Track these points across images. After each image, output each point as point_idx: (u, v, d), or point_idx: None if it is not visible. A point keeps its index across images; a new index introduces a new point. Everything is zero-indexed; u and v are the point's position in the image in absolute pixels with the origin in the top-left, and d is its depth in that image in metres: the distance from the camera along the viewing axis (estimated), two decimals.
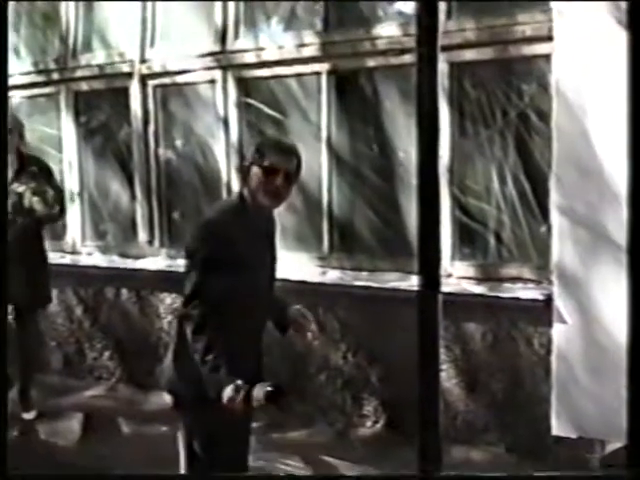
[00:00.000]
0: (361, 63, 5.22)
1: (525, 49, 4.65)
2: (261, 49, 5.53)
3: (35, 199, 5.20)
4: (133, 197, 6.29)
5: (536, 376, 4.67)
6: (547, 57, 4.52)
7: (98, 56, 6.31)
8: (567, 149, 4.34)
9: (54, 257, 6.29)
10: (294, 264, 5.27)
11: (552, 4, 4.39)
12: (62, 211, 5.49)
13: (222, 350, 2.95)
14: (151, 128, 6.11)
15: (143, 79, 6.07)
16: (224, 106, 5.72)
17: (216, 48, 5.70)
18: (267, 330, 3.37)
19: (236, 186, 5.56)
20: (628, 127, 2.01)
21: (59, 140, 6.62)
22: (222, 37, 5.68)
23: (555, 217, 4.45)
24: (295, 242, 5.47)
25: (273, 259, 3.36)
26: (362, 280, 5.22)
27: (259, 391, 2.89)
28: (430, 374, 1.97)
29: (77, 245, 6.60)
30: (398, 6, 5.22)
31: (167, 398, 3.32)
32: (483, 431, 4.89)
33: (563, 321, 4.44)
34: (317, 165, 5.32)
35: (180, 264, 4.59)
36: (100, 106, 6.49)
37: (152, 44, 6.03)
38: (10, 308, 5.41)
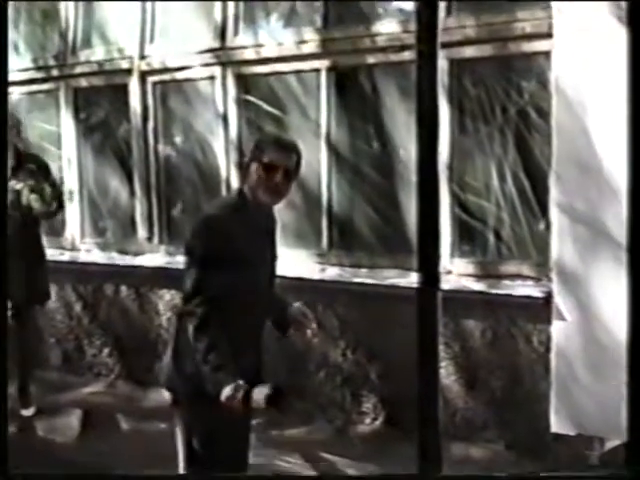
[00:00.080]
0: (361, 60, 5.21)
1: (525, 46, 4.65)
2: (260, 46, 5.52)
3: (33, 197, 5.20)
4: (132, 194, 6.29)
5: (535, 373, 4.67)
6: (547, 54, 4.52)
7: (97, 52, 6.31)
8: (567, 146, 4.34)
9: (53, 254, 6.29)
10: (293, 261, 5.27)
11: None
12: (59, 208, 5.49)
13: (224, 349, 2.95)
14: (150, 125, 6.11)
15: (142, 75, 6.07)
16: (223, 103, 5.72)
17: (215, 45, 5.70)
18: (266, 328, 3.37)
19: (235, 183, 5.56)
20: (628, 124, 2.01)
21: (58, 137, 6.62)
22: (221, 34, 5.68)
23: (555, 214, 4.45)
24: (294, 239, 5.47)
25: (273, 256, 3.36)
26: (361, 277, 5.22)
27: (259, 394, 2.88)
28: (429, 371, 1.97)
29: (76, 242, 6.60)
30: (398, 3, 5.21)
31: (166, 395, 3.32)
32: (482, 428, 4.89)
33: (562, 318, 4.44)
34: (316, 162, 5.32)
35: (179, 261, 4.58)
36: (99, 102, 6.48)
37: (151, 40, 6.02)
38: (8, 305, 5.41)
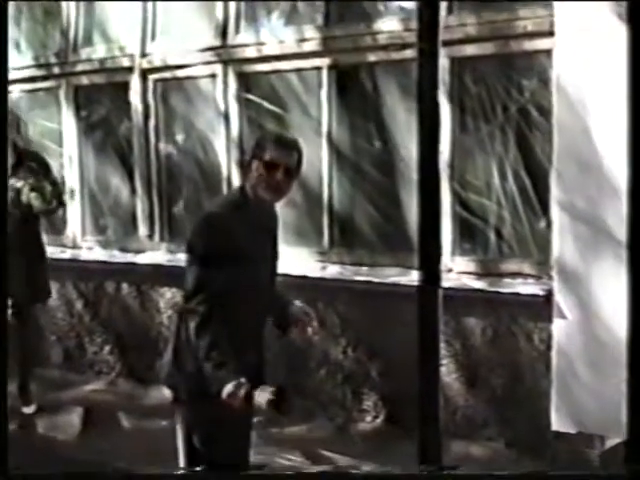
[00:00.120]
0: (362, 58, 5.21)
1: (526, 44, 4.64)
2: (262, 44, 5.52)
3: (33, 195, 5.20)
4: (133, 191, 6.29)
5: (536, 371, 4.67)
6: (548, 52, 4.51)
7: (99, 50, 6.30)
8: (568, 144, 4.34)
9: (54, 251, 6.29)
10: (294, 259, 5.27)
11: None
12: (59, 206, 5.49)
13: (225, 347, 2.95)
14: (151, 122, 6.11)
15: (144, 73, 6.07)
16: (224, 101, 5.72)
17: (217, 42, 5.70)
18: (267, 325, 3.38)
19: (236, 181, 5.57)
20: (628, 122, 2.01)
21: (59, 134, 6.62)
22: (223, 31, 5.67)
23: (555, 212, 4.45)
24: (295, 237, 5.47)
25: (275, 254, 3.36)
26: (362, 275, 5.22)
27: (261, 396, 2.88)
28: (430, 369, 1.97)
29: (77, 239, 6.60)
30: (399, 1, 5.21)
31: (167, 393, 3.32)
32: (483, 426, 4.89)
33: (563, 316, 4.44)
34: (317, 160, 5.31)
35: (180, 258, 4.59)
36: (100, 100, 6.48)
37: (153, 38, 6.02)
38: (9, 303, 5.41)
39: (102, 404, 5.80)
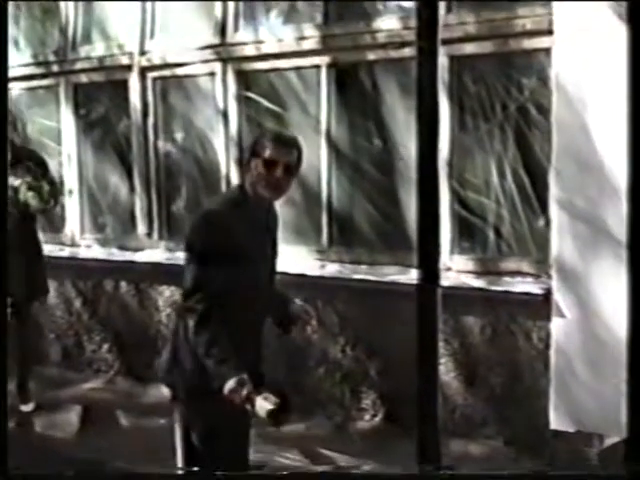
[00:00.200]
0: (361, 56, 5.21)
1: (525, 43, 4.64)
2: (261, 42, 5.52)
3: (30, 194, 5.20)
4: (132, 190, 6.29)
5: (535, 370, 4.67)
6: (547, 51, 4.51)
7: (97, 48, 6.30)
8: (567, 143, 4.34)
9: (53, 250, 6.30)
10: (293, 257, 5.27)
11: None
12: (57, 204, 5.49)
13: (226, 343, 2.94)
14: (150, 120, 6.10)
15: (142, 71, 6.06)
16: (224, 99, 5.72)
17: (216, 41, 5.69)
18: (266, 324, 3.37)
19: (235, 179, 5.56)
20: (628, 121, 2.01)
21: (58, 132, 6.61)
22: (222, 30, 5.67)
23: (554, 211, 4.45)
24: (294, 235, 5.46)
25: (274, 252, 3.35)
26: (361, 273, 5.21)
27: (262, 405, 2.86)
28: (429, 367, 1.97)
29: (76, 238, 6.60)
30: (398, 0, 5.21)
31: (165, 391, 3.32)
32: (481, 425, 4.89)
33: (562, 315, 4.44)
34: (316, 158, 5.31)
35: (179, 257, 4.59)
36: (99, 98, 6.48)
37: (152, 36, 6.02)
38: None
39: (100, 402, 5.80)
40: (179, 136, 6.14)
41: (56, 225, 6.63)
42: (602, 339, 4.27)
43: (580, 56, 4.26)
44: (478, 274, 4.90)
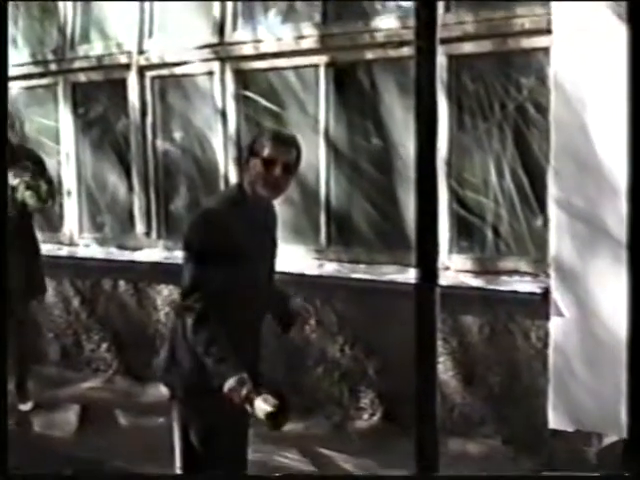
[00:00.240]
0: (359, 56, 5.21)
1: (524, 42, 4.64)
2: (259, 41, 5.52)
3: (28, 193, 5.19)
4: (130, 189, 6.29)
5: (533, 369, 4.67)
6: (546, 50, 4.51)
7: (96, 47, 6.30)
8: (565, 142, 4.34)
9: (51, 249, 6.29)
10: (291, 256, 5.27)
11: None
12: (54, 203, 5.49)
13: (225, 342, 2.94)
14: (149, 120, 6.10)
15: (141, 70, 6.06)
16: (222, 98, 5.71)
17: (214, 40, 5.69)
18: (265, 323, 3.37)
19: (234, 178, 5.56)
20: (627, 120, 2.01)
21: (56, 131, 6.61)
22: (220, 29, 5.67)
23: (553, 210, 4.45)
24: (292, 234, 5.46)
25: (273, 251, 3.35)
26: (359, 273, 5.22)
27: (261, 407, 2.86)
28: (427, 367, 1.97)
29: (74, 237, 6.60)
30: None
31: (164, 390, 3.32)
32: (480, 424, 4.90)
33: (560, 314, 4.44)
34: (315, 158, 5.31)
35: (178, 256, 4.58)
36: (98, 97, 6.48)
37: (150, 35, 6.02)
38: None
39: (99, 401, 5.80)
40: (177, 135, 6.14)
41: (54, 224, 6.63)
42: (600, 338, 4.28)
43: (579, 55, 4.26)
44: (477, 273, 4.90)
